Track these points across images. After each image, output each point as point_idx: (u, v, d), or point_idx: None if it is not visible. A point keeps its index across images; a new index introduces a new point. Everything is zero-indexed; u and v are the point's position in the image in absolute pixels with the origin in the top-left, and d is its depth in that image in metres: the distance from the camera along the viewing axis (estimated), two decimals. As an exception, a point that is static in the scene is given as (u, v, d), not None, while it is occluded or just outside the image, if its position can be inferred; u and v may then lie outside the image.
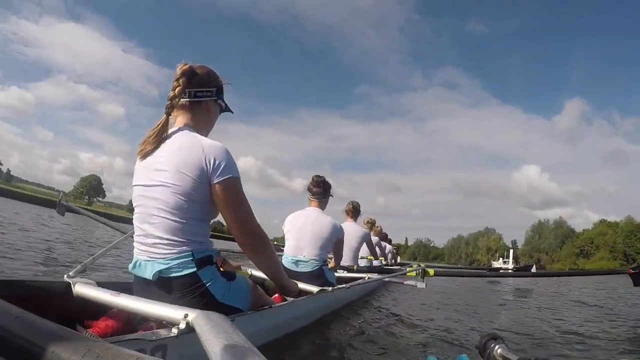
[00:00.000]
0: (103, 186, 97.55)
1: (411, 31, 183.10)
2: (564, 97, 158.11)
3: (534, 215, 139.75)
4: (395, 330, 2.80)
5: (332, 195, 3.47)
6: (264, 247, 1.68)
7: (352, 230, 4.71)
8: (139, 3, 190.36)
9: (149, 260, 1.49)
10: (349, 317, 3.17)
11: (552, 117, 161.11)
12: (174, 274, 1.47)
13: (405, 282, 3.69)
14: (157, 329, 1.27)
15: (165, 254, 1.48)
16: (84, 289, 1.50)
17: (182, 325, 1.12)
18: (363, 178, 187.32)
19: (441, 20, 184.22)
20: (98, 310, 1.48)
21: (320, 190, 3.33)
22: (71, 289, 1.51)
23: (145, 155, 1.57)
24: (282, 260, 3.13)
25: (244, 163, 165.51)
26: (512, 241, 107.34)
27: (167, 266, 1.47)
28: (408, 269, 3.89)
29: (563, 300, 5.13)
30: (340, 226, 3.35)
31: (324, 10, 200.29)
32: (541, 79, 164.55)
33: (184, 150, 1.50)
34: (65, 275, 1.60)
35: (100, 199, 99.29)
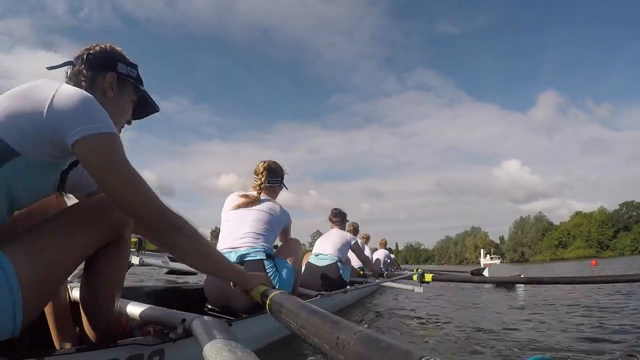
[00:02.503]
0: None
1: (382, 37, 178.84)
2: (537, 90, 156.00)
3: (520, 210, 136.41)
4: (393, 334, 2.68)
5: (348, 221, 4.38)
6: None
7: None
8: (111, 28, 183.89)
9: (232, 251, 2.21)
10: (347, 320, 3.03)
11: (528, 111, 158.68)
12: (249, 258, 2.19)
13: (404, 287, 3.78)
14: (154, 333, 1.20)
15: (248, 243, 2.22)
16: None
17: (180, 330, 1.08)
18: (346, 187, 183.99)
19: (411, 23, 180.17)
20: None
21: (339, 219, 4.14)
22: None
23: (237, 208, 2.38)
24: (309, 259, 3.79)
25: (226, 180, 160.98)
26: (500, 237, 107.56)
27: (247, 252, 2.20)
28: (408, 273, 3.95)
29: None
30: (352, 236, 4.11)
31: (294, 22, 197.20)
32: (514, 74, 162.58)
33: (271, 205, 2.42)
34: None
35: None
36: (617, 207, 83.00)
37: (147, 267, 3.19)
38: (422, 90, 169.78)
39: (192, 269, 1.86)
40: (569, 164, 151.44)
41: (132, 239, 3.39)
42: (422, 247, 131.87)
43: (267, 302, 1.16)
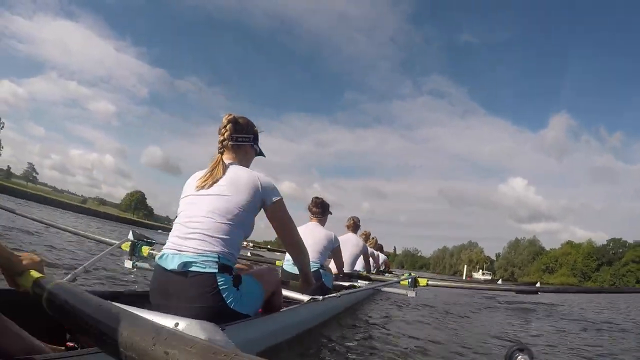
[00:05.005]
0: (147, 200, 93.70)
1: (401, 40, 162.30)
2: (551, 111, 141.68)
3: (521, 229, 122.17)
4: (386, 338, 2.66)
5: (331, 213, 3.49)
6: (302, 251, 2.01)
7: (354, 240, 4.61)
8: (131, 3, 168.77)
9: (177, 254, 1.53)
10: (340, 326, 2.96)
11: (539, 131, 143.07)
12: (196, 269, 1.49)
13: (397, 291, 3.51)
14: None
15: (196, 248, 1.52)
16: None
17: None
18: (350, 184, 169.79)
19: (432, 29, 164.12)
20: None
21: (320, 210, 3.40)
22: None
23: (202, 187, 1.69)
24: (284, 265, 3.20)
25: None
26: (496, 254, 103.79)
27: (193, 260, 1.50)
28: (401, 277, 3.56)
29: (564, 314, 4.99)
30: (336, 236, 3.38)
31: (314, 16, 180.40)
32: (529, 92, 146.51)
33: (240, 174, 1.71)
34: None
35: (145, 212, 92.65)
36: (605, 242, 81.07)
37: (142, 271, 2.88)
38: (437, 97, 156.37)
39: None
40: (575, 190, 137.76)
41: (126, 244, 2.76)
42: (419, 254, 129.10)
43: (45, 295, 0.84)
